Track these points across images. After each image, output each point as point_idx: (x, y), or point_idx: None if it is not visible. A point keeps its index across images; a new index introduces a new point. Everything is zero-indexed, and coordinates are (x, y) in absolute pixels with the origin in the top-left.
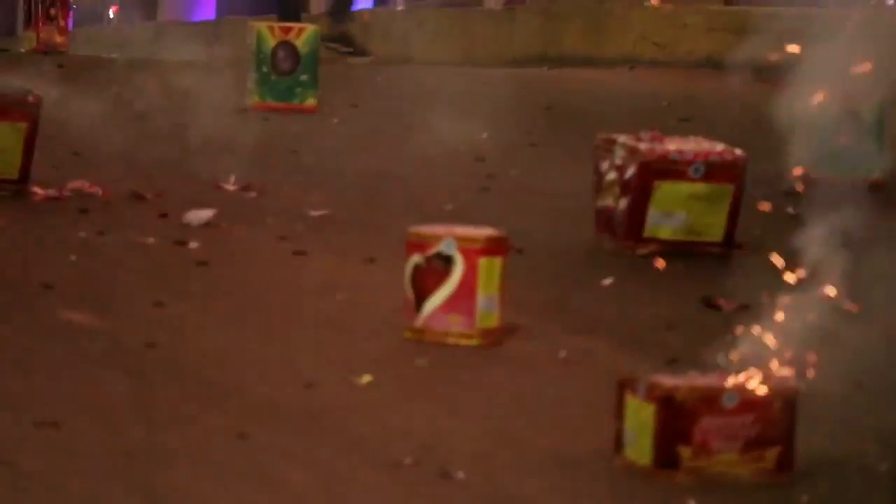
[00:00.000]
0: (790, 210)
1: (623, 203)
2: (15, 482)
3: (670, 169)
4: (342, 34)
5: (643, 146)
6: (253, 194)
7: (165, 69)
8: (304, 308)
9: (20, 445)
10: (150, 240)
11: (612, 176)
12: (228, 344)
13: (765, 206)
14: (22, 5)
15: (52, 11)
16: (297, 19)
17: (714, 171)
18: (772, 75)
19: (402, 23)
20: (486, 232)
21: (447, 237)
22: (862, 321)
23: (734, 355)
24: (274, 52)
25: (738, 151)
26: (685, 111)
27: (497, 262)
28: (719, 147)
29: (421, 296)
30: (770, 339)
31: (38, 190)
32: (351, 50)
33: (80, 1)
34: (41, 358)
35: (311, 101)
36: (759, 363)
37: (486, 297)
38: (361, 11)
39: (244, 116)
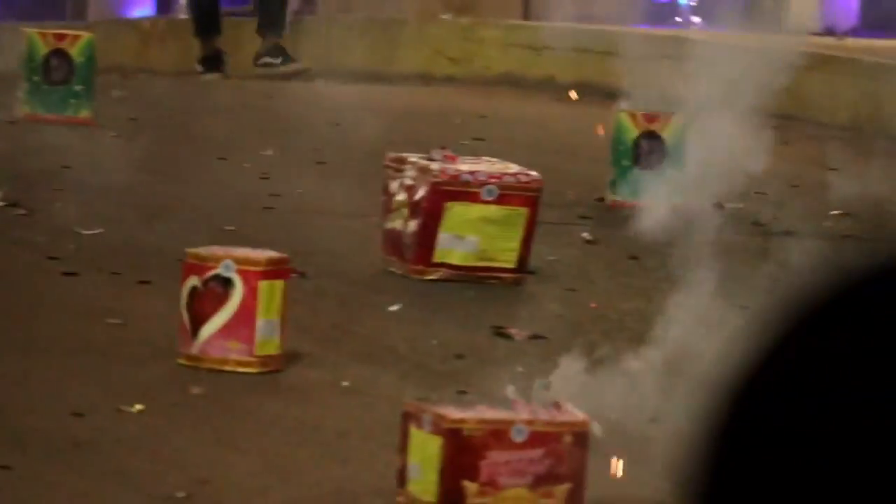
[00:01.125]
0: (586, 235)
1: (412, 225)
2: None
3: (462, 190)
4: (275, 45)
5: (434, 166)
6: (21, 211)
7: None
8: (73, 332)
9: None
10: None
11: (401, 196)
12: None
13: (560, 231)
14: None
15: None
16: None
17: (508, 193)
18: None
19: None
20: (266, 254)
21: (226, 259)
22: (657, 351)
23: (524, 387)
24: (46, 59)
25: (534, 173)
26: (479, 130)
27: (278, 285)
28: (514, 168)
29: (198, 320)
30: (562, 370)
31: None
32: (281, 60)
33: None
34: None
35: (85, 113)
36: (550, 395)
37: (267, 322)
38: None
39: (13, 128)
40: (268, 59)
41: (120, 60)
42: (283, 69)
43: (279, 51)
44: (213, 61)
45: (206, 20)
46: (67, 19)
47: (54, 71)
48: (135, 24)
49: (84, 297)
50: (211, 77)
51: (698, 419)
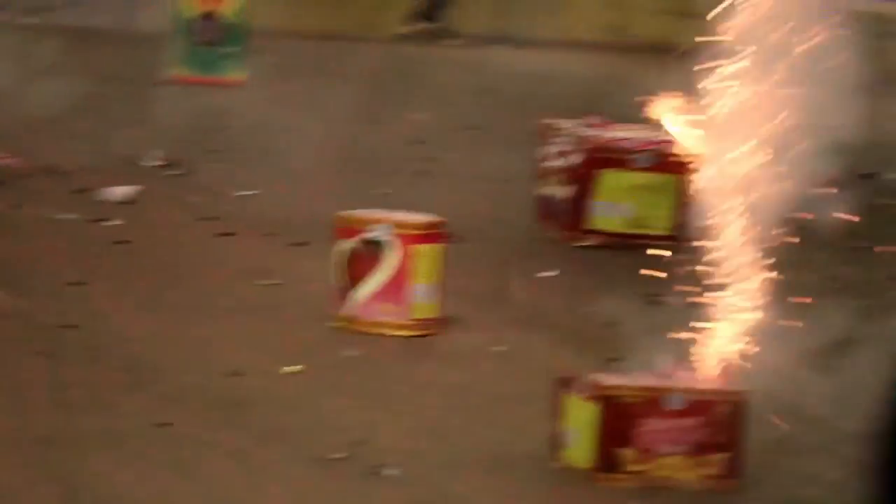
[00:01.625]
0: (738, 202)
1: (566, 192)
2: None
3: (616, 157)
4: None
5: (589, 133)
6: (176, 171)
7: (79, 38)
8: (230, 292)
9: None
10: (68, 216)
11: (556, 163)
12: (150, 328)
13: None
14: None
15: None
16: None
17: (662, 160)
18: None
19: None
20: (423, 218)
21: (382, 222)
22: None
23: (681, 354)
24: (198, 21)
25: None
26: (633, 97)
27: (435, 249)
28: (667, 136)
29: (353, 283)
30: (719, 338)
31: None
32: (435, 26)
33: None
34: None
35: (237, 75)
36: (707, 363)
37: (422, 286)
38: None
39: (167, 89)
40: (421, 25)
41: (271, 22)
42: (422, 27)
43: (430, 13)
44: (430, 13)
45: None
46: None
47: (206, 32)
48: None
49: (240, 258)
50: (413, 29)
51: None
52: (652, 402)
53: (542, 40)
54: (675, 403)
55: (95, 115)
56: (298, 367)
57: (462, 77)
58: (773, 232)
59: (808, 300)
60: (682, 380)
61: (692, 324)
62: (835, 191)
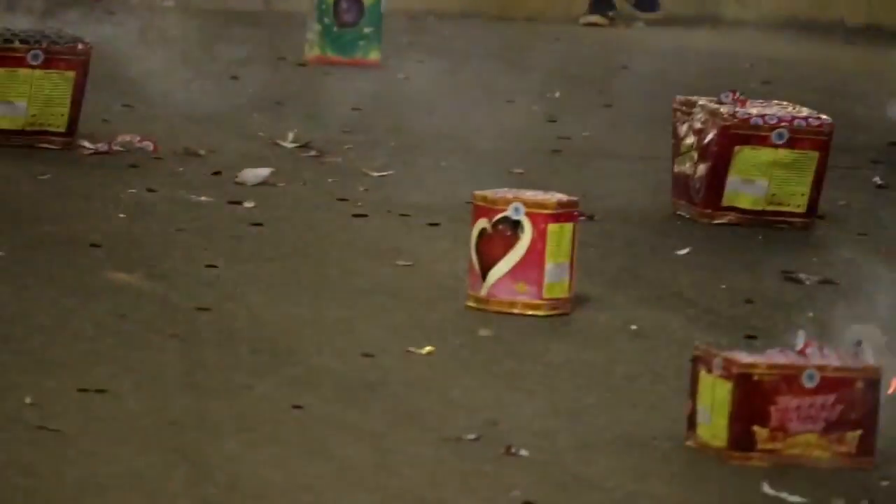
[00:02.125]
0: (877, 180)
1: (702, 169)
2: (60, 450)
3: (752, 134)
4: None
5: (724, 109)
6: (312, 153)
7: (218, 19)
8: (363, 273)
9: (65, 412)
10: (203, 198)
11: (690, 140)
12: (283, 309)
13: (851, 175)
14: None
15: None
16: None
17: (798, 137)
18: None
19: None
20: (555, 197)
21: (515, 202)
22: None
23: (816, 332)
24: (336, 2)
25: (824, 117)
26: (769, 74)
27: (567, 228)
28: (804, 112)
29: (486, 263)
30: (854, 316)
31: (86, 143)
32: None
33: None
34: (87, 320)
35: (374, 56)
36: (842, 341)
37: (556, 265)
38: None
39: (304, 70)
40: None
41: (408, 4)
42: (596, 19)
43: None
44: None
45: None
46: None
47: (345, 13)
48: None
49: (373, 239)
50: (592, 19)
51: None
52: (785, 379)
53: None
54: (809, 381)
55: (233, 97)
56: (430, 348)
57: (598, 54)
58: None
59: None
60: (815, 357)
61: (826, 301)
62: None
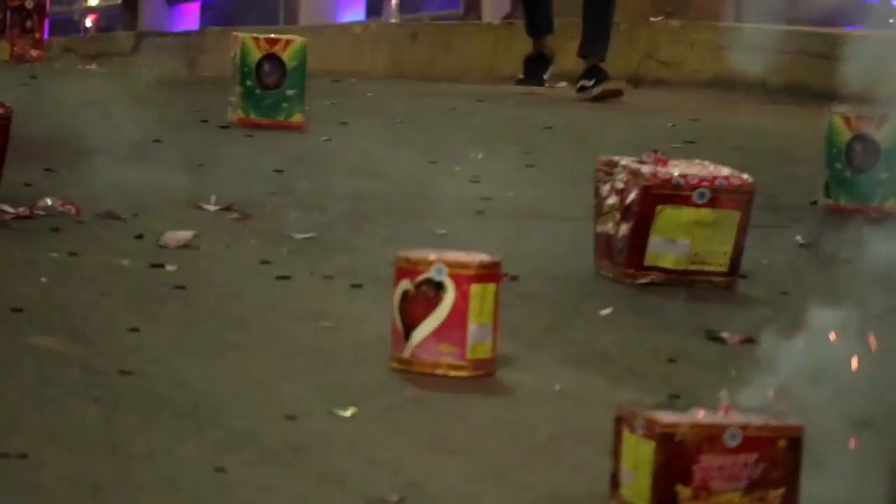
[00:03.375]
0: (798, 239)
1: (624, 229)
2: None
3: (674, 194)
4: (593, 66)
5: (646, 169)
6: (235, 215)
7: (145, 81)
8: (286, 335)
9: None
10: (126, 262)
11: (612, 200)
12: (206, 372)
13: (773, 235)
14: None
15: (28, 23)
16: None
17: (720, 196)
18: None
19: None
20: (478, 257)
21: (437, 262)
22: (874, 356)
23: (737, 391)
24: (259, 65)
25: (746, 176)
26: (690, 133)
27: (490, 289)
28: (725, 171)
29: (410, 324)
30: (775, 375)
31: (7, 208)
32: (594, 82)
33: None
34: (7, 385)
35: (298, 118)
36: (764, 400)
37: (479, 325)
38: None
39: (227, 132)
40: (583, 83)
41: (331, 65)
42: (594, 91)
43: (594, 72)
44: (534, 64)
45: (534, 14)
46: (280, 24)
47: (267, 76)
48: (346, 28)
49: (297, 301)
50: (524, 87)
51: None
52: (709, 438)
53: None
54: (732, 440)
55: (155, 160)
56: (354, 410)
57: (521, 114)
58: None
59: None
60: (738, 416)
61: (748, 360)
62: None
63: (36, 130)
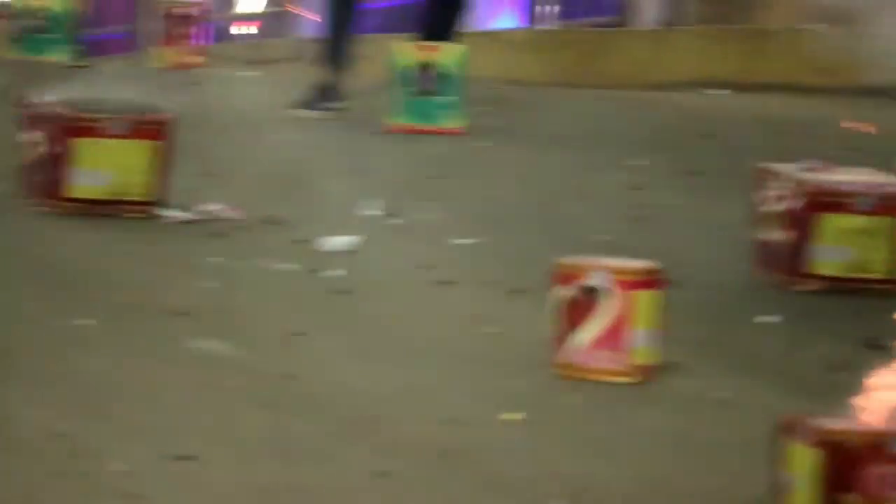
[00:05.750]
0: None
1: (785, 236)
2: None
3: (836, 201)
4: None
5: (808, 176)
6: (397, 220)
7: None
8: (449, 341)
9: (154, 479)
10: (288, 266)
11: (774, 207)
12: (369, 376)
13: None
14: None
15: (189, 30)
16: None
17: (883, 204)
18: None
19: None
20: (640, 264)
21: (599, 269)
22: None
23: None
24: (417, 71)
25: None
26: (852, 141)
27: (653, 295)
28: (887, 179)
29: (572, 330)
30: None
31: (171, 213)
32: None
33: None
34: (175, 389)
35: (455, 124)
36: None
37: (641, 332)
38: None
39: (386, 138)
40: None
41: (488, 72)
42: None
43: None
44: (324, 95)
45: (334, 45)
46: None
47: (425, 82)
48: (503, 35)
49: (459, 306)
50: (306, 113)
51: None
52: (877, 446)
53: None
54: None
55: (317, 164)
56: (517, 415)
57: (680, 122)
58: None
59: None
60: None
61: None
62: None
63: (199, 136)
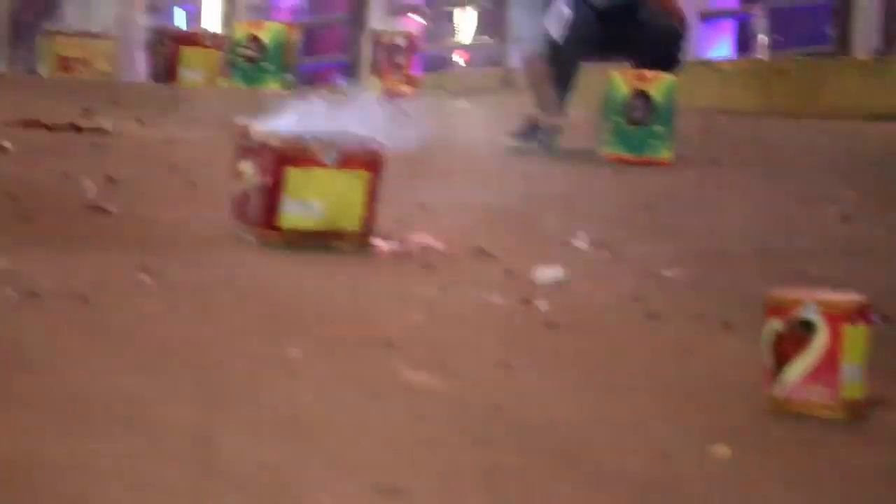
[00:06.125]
0: None
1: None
2: None
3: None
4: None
5: None
6: (605, 252)
7: (512, 115)
8: (656, 374)
9: None
10: (497, 298)
11: None
12: (576, 409)
13: None
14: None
15: (400, 59)
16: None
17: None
18: None
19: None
20: (852, 297)
21: (811, 302)
22: None
23: None
24: (628, 100)
25: None
26: None
27: (864, 329)
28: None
29: (781, 364)
30: None
31: (380, 243)
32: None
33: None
34: (383, 421)
35: (665, 154)
36: None
37: (852, 366)
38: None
39: (596, 168)
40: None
41: (699, 101)
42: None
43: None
44: (537, 126)
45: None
46: None
47: (636, 111)
48: (715, 65)
49: (667, 340)
50: (518, 144)
51: None
52: None
53: None
54: None
55: (526, 196)
56: (726, 449)
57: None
58: None
59: None
60: None
61: None
62: None
63: (410, 167)
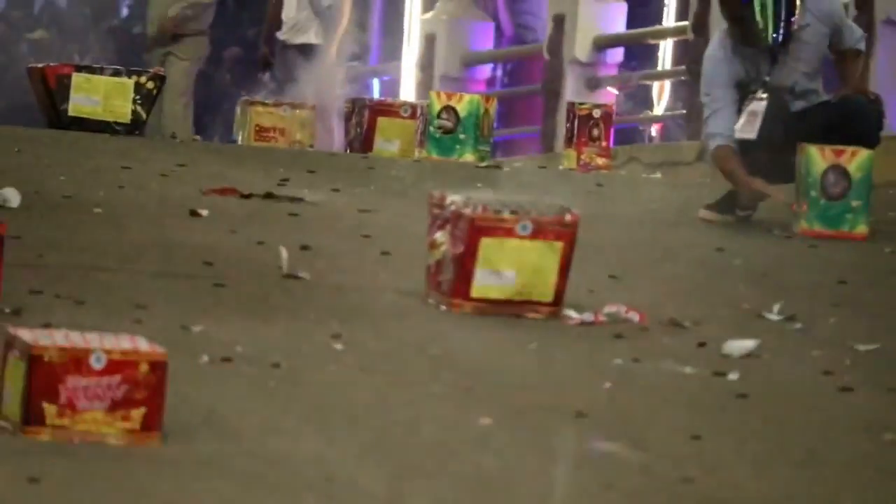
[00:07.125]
0: None
1: None
2: None
3: None
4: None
5: None
6: (797, 325)
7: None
8: (845, 447)
9: None
10: (688, 369)
11: None
12: (768, 483)
13: None
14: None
15: (595, 132)
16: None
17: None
18: None
19: None
20: None
21: None
22: None
23: None
24: (824, 175)
25: None
26: None
27: None
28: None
29: None
30: None
31: (572, 313)
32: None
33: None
34: (572, 490)
35: (862, 229)
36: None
37: None
38: None
39: (791, 242)
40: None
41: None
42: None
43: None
44: (734, 199)
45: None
46: None
47: (832, 186)
48: None
49: (860, 413)
50: (714, 217)
51: None
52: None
53: None
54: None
55: (718, 268)
56: None
57: None
58: None
59: None
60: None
61: None
62: None
63: (602, 238)
